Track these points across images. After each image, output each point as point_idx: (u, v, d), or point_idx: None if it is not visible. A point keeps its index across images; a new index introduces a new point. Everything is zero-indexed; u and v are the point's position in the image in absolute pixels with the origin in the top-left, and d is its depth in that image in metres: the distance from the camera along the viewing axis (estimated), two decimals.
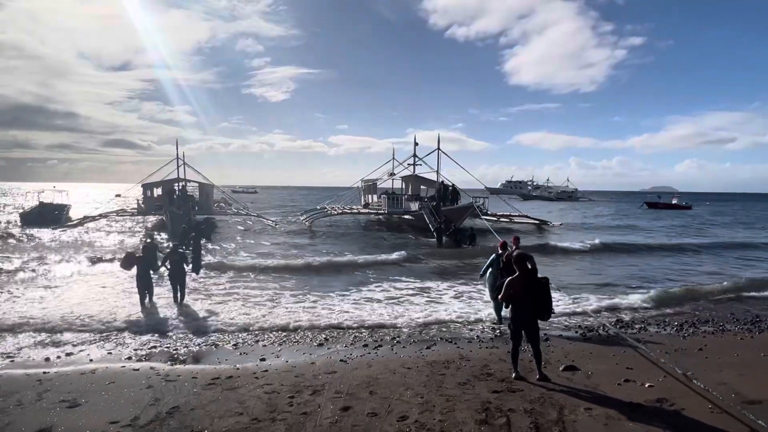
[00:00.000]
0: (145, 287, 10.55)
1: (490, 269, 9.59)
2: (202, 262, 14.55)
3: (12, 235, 25.23)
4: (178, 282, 10.85)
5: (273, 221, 33.18)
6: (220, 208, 37.42)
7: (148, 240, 13.09)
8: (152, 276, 10.84)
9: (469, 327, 9.30)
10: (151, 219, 33.64)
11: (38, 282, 13.29)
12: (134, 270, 10.68)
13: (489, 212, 31.56)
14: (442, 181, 31.15)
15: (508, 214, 33.80)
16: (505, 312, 9.29)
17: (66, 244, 22.01)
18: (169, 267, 10.87)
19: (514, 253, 6.48)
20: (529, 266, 6.03)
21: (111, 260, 16.34)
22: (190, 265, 12.34)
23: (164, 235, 24.33)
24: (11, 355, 7.49)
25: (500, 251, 9.38)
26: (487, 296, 10.61)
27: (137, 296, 10.56)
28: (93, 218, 32.03)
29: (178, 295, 10.87)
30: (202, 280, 13.50)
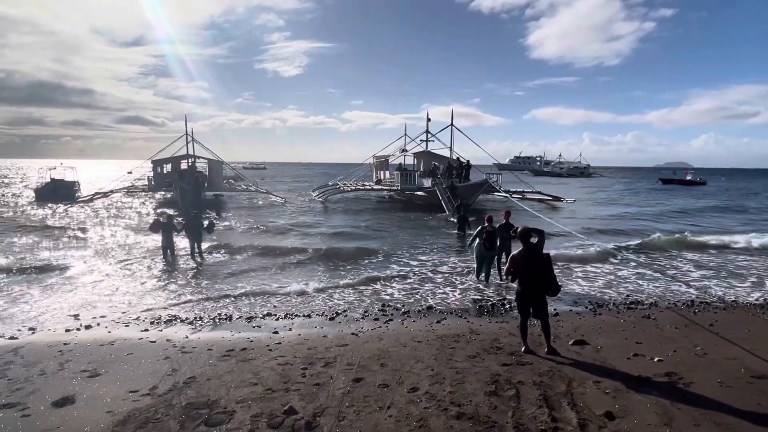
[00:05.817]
0: (168, 246, 13.07)
1: (477, 240, 10.55)
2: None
3: (29, 212, 25.65)
4: (195, 240, 13.37)
5: (282, 198, 33.32)
6: (230, 184, 37.64)
7: (168, 213, 15.36)
8: (174, 236, 13.21)
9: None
10: (161, 195, 33.99)
11: (59, 258, 13.57)
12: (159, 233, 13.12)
13: (502, 189, 31.45)
14: (458, 157, 30.92)
15: (521, 190, 33.56)
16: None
17: (82, 218, 22.34)
18: (186, 229, 13.27)
19: (519, 228, 6.38)
20: (534, 241, 6.00)
21: (130, 233, 16.66)
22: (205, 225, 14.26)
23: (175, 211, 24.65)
24: (33, 326, 7.70)
25: (486, 224, 10.43)
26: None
27: (151, 268, 12.24)
28: (104, 194, 32.59)
29: (195, 250, 13.38)
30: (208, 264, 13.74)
